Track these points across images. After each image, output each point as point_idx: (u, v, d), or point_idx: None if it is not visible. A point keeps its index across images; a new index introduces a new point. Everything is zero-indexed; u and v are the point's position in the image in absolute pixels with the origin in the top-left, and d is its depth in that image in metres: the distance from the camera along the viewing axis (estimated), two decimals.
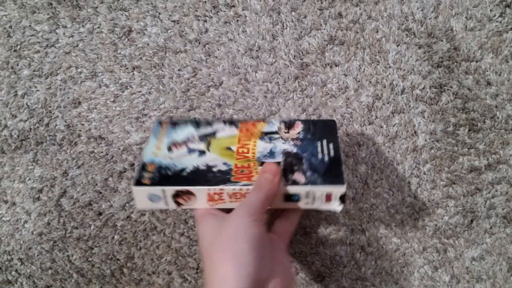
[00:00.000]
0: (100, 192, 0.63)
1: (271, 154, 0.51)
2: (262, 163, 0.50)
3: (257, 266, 0.41)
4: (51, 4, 0.59)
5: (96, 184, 0.63)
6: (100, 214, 0.64)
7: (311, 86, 0.61)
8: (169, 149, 0.52)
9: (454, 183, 0.63)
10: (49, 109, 0.61)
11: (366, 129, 0.62)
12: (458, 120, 0.61)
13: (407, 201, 0.63)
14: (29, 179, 0.63)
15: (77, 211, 0.64)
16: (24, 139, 0.62)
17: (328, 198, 0.47)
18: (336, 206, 0.47)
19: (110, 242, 0.65)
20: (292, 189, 0.47)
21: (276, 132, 0.54)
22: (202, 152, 0.51)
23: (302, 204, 0.48)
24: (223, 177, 0.48)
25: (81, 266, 0.65)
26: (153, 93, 0.61)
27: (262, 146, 0.52)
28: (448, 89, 0.61)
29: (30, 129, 0.62)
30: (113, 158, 0.62)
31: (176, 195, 0.47)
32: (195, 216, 0.50)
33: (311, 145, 0.52)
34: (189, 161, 0.50)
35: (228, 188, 0.46)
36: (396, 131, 0.62)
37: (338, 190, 0.46)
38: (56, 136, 0.62)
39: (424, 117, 0.61)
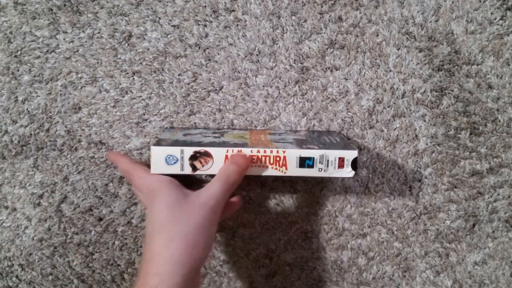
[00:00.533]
0: (101, 198, 0.63)
1: (283, 139, 0.55)
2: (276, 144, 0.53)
3: (199, 261, 0.45)
4: (52, 10, 0.59)
5: (97, 190, 0.63)
6: (100, 219, 0.64)
7: (311, 90, 0.61)
8: (185, 136, 0.55)
9: (455, 187, 0.63)
10: (50, 114, 0.61)
11: (367, 133, 0.61)
12: (459, 124, 0.61)
13: (408, 205, 0.63)
14: (30, 184, 0.63)
15: (78, 216, 0.63)
16: (24, 145, 0.62)
17: (341, 163, 0.49)
18: (348, 172, 0.49)
19: (110, 247, 0.64)
20: (306, 152, 0.49)
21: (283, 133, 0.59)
22: (217, 137, 0.55)
23: (315, 171, 0.49)
24: (241, 145, 0.51)
25: (81, 272, 0.65)
26: (153, 98, 0.61)
27: (272, 138, 0.55)
28: (449, 93, 0.61)
29: (31, 134, 0.62)
30: (113, 163, 0.62)
31: (194, 158, 0.49)
32: (151, 182, 0.49)
33: (318, 138, 0.56)
34: (205, 139, 0.53)
35: (246, 150, 0.49)
36: (397, 135, 0.61)
37: (350, 154, 0.49)
38: (56, 141, 0.62)
39: (425, 121, 0.61)
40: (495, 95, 0.60)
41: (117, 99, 0.61)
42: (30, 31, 0.60)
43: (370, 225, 0.64)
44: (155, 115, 0.61)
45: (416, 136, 0.61)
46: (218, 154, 0.49)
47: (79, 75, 0.61)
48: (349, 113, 0.61)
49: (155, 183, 0.48)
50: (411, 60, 0.60)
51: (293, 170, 0.49)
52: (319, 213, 0.63)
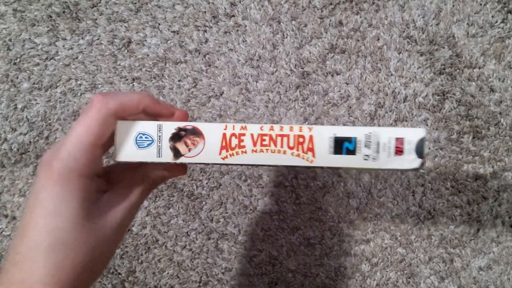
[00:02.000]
0: None
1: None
2: None
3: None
4: (51, 17, 0.59)
5: None
6: None
7: (312, 95, 0.61)
8: None
9: (459, 192, 0.62)
10: (49, 122, 0.61)
11: None
12: (462, 128, 0.61)
13: (411, 210, 0.63)
14: (29, 193, 0.62)
15: None
16: (24, 153, 0.61)
17: (399, 148, 0.32)
18: (410, 160, 0.33)
19: None
20: (345, 129, 0.33)
21: None
22: None
23: (359, 160, 0.33)
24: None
25: None
26: None
27: None
28: (451, 96, 0.60)
29: (30, 142, 0.61)
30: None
31: (176, 137, 0.34)
32: (55, 169, 0.30)
33: None
34: None
35: (253, 127, 0.33)
36: None
37: (413, 133, 0.32)
38: None
39: (427, 125, 0.61)
40: (498, 98, 0.60)
41: None
42: (29, 38, 0.59)
43: (373, 230, 0.63)
44: None
45: None
46: (212, 131, 0.33)
47: (78, 82, 0.60)
48: (350, 117, 0.61)
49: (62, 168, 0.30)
50: (413, 64, 0.60)
51: (324, 158, 0.33)
52: (322, 219, 0.63)
